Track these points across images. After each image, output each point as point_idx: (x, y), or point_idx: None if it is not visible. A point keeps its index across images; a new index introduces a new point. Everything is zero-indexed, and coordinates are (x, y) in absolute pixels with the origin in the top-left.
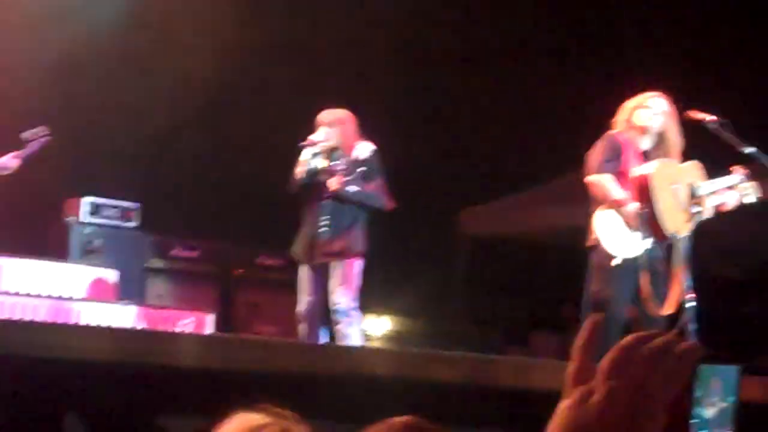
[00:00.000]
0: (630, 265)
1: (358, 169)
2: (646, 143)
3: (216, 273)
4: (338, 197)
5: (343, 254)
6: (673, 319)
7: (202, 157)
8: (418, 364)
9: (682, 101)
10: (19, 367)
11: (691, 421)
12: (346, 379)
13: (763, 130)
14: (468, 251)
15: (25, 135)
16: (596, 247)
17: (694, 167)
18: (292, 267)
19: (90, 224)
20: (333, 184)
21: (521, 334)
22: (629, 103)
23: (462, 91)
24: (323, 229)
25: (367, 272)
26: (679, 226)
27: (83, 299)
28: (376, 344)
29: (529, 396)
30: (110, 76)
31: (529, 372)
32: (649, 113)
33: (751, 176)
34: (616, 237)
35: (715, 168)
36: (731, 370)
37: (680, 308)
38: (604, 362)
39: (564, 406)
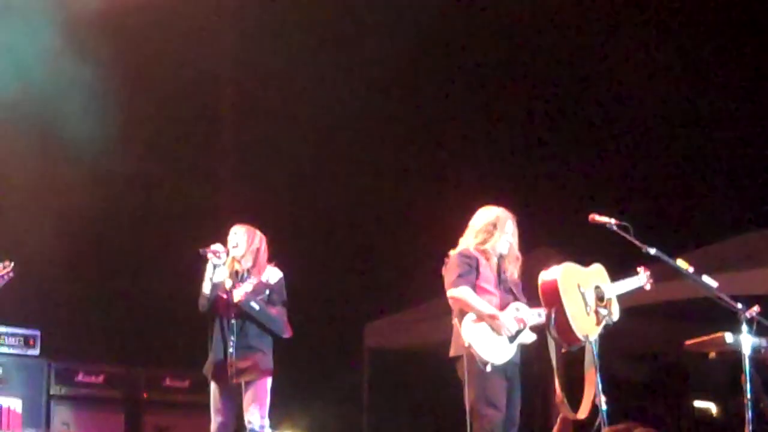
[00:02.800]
0: (500, 370)
1: (266, 292)
2: (494, 259)
3: (122, 397)
4: (242, 312)
5: (253, 374)
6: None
7: (102, 281)
8: None
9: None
10: None
11: None
12: None
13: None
14: (371, 363)
15: None
16: (466, 356)
17: (599, 270)
18: (200, 388)
19: None
20: (237, 296)
21: None
22: (482, 222)
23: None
24: (231, 349)
25: (275, 388)
26: (589, 329)
27: None
28: None
29: None
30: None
31: None
32: (502, 237)
33: (655, 276)
34: (486, 345)
35: (622, 269)
36: None
37: (594, 411)
38: None
39: None
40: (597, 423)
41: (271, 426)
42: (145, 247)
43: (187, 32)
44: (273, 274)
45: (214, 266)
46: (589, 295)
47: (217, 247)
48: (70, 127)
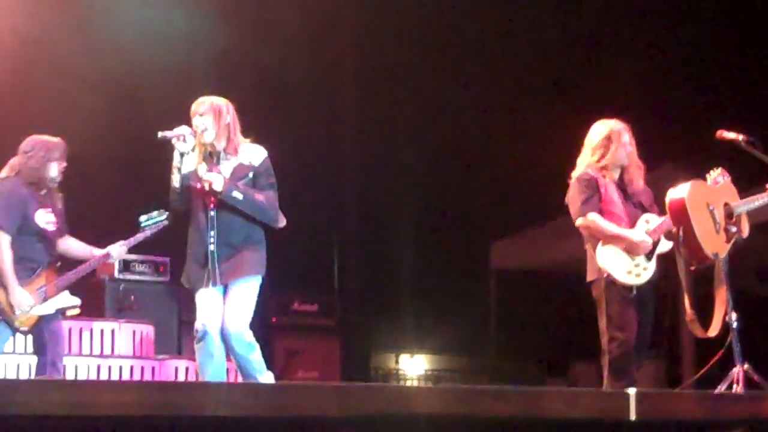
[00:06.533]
0: (636, 293)
1: (248, 175)
2: (616, 173)
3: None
4: (223, 203)
5: (238, 273)
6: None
7: None
8: (467, 401)
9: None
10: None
11: None
12: (397, 420)
13: None
14: (500, 285)
15: (142, 218)
16: (603, 281)
17: (728, 187)
18: (327, 312)
19: (123, 280)
20: (216, 185)
21: (559, 365)
22: (597, 137)
23: (486, 130)
24: (212, 246)
25: (399, 312)
26: (718, 246)
27: (125, 356)
28: (414, 384)
29: (581, 426)
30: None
31: (578, 401)
32: (620, 149)
33: None
34: (625, 268)
35: (751, 185)
36: None
37: (725, 329)
38: None
39: None
40: (728, 340)
41: (397, 346)
42: None
43: None
44: (255, 154)
45: (182, 154)
46: (718, 212)
47: (181, 129)
48: None
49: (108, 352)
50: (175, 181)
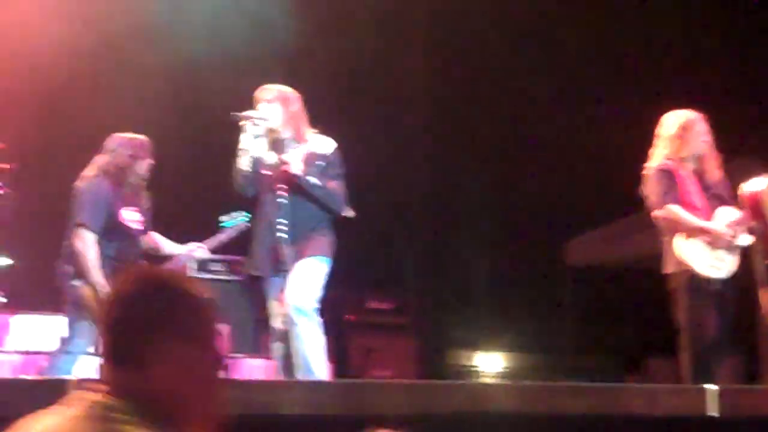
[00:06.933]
0: (716, 289)
1: (317, 163)
2: (692, 164)
3: (328, 319)
4: (296, 189)
5: (307, 255)
6: None
7: None
8: (543, 398)
9: None
10: None
11: None
12: (474, 417)
13: None
14: (575, 282)
15: (223, 218)
16: (685, 274)
17: None
18: (402, 310)
19: (198, 280)
20: (295, 168)
21: (636, 362)
22: (672, 128)
23: (562, 130)
24: (283, 234)
25: (474, 310)
26: None
27: None
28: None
29: (660, 423)
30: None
31: (657, 398)
32: (695, 140)
33: None
34: (706, 261)
35: None
36: None
37: None
38: None
39: None
40: None
41: (473, 344)
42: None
43: None
44: (325, 144)
45: (254, 137)
46: None
47: (254, 113)
48: None
49: None
50: (244, 164)
